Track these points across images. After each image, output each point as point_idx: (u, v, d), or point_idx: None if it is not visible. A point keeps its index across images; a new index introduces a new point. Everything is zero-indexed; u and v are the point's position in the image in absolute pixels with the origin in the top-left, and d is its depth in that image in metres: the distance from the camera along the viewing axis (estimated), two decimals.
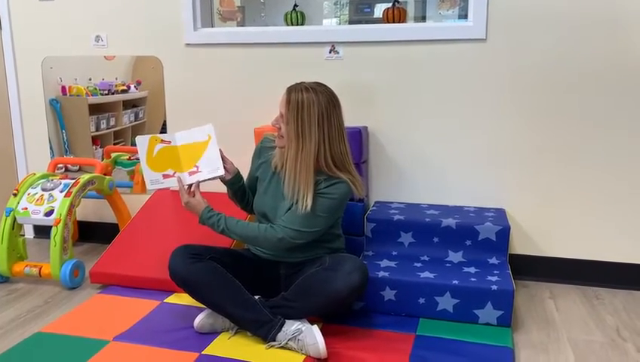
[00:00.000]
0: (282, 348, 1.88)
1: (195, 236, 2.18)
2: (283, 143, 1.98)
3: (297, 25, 3.33)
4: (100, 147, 3.08)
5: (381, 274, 2.17)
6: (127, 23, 2.89)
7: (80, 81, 3.03)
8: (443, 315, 2.11)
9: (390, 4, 2.91)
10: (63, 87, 3.05)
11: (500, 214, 2.48)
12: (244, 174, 2.21)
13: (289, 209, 1.98)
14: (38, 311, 2.28)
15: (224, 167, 2.08)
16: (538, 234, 2.57)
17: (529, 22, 2.42)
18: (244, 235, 2.00)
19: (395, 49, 2.59)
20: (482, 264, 2.29)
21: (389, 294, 2.15)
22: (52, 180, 2.61)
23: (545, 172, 2.52)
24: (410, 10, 4.21)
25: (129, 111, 3.03)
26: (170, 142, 2.10)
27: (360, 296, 2.07)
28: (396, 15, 2.81)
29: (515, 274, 2.30)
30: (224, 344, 1.94)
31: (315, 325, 1.89)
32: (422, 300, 2.12)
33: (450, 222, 2.36)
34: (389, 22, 2.82)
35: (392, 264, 2.29)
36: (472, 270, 2.23)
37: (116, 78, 2.98)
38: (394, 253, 2.40)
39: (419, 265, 2.29)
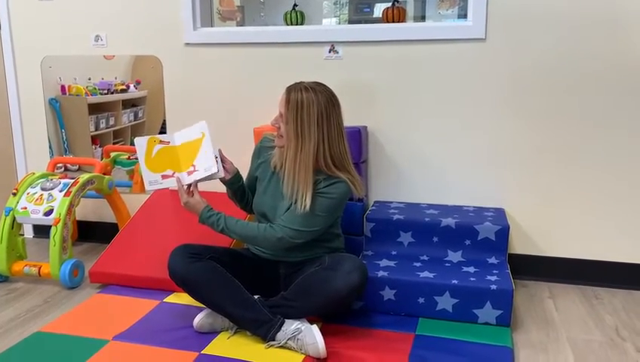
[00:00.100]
0: (282, 347, 1.88)
1: (194, 235, 2.18)
2: (282, 143, 1.98)
3: (297, 24, 3.32)
4: (100, 146, 3.08)
5: (380, 273, 2.17)
6: (126, 22, 2.89)
7: (79, 81, 3.03)
8: (442, 315, 2.11)
9: (390, 4, 2.91)
10: (63, 87, 3.05)
11: (500, 214, 2.49)
12: (244, 174, 2.21)
13: (288, 208, 1.98)
14: (38, 310, 2.28)
15: (224, 167, 2.08)
16: (537, 234, 2.57)
17: (528, 21, 2.42)
18: (244, 235, 2.00)
19: (394, 49, 2.59)
20: (481, 264, 2.29)
21: (388, 294, 2.15)
22: (51, 180, 2.61)
23: (544, 171, 2.52)
24: (410, 9, 4.21)
25: (128, 110, 3.03)
26: (168, 142, 2.10)
27: (359, 296, 2.07)
28: (396, 15, 2.81)
29: (514, 273, 2.30)
30: (223, 343, 1.94)
31: (315, 324, 1.89)
32: (421, 300, 2.12)
33: (449, 221, 2.36)
34: (388, 21, 2.82)
35: (392, 263, 2.29)
36: (472, 270, 2.23)
37: (116, 78, 2.98)
38: (393, 253, 2.40)
39: (418, 264, 2.29)
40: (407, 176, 2.68)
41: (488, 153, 2.57)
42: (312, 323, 1.90)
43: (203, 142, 2.03)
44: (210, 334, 1.99)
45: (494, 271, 2.20)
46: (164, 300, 2.29)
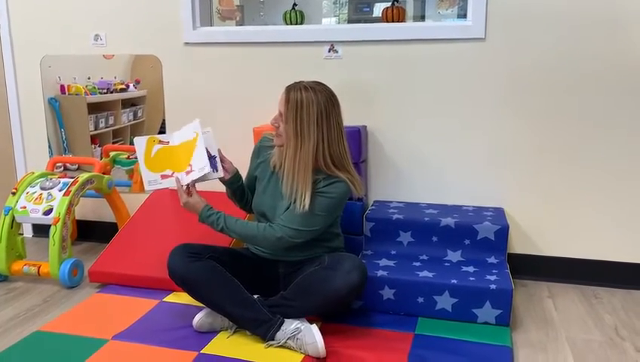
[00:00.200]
0: (281, 347, 1.88)
1: (194, 235, 2.18)
2: (281, 142, 1.98)
3: (296, 24, 3.32)
4: (99, 146, 3.08)
5: (380, 273, 2.17)
6: (126, 21, 2.88)
7: (79, 80, 3.03)
8: (442, 314, 2.11)
9: (389, 4, 2.90)
10: (62, 86, 3.05)
11: (499, 213, 2.49)
12: (243, 174, 2.21)
13: (288, 208, 1.98)
14: (37, 309, 2.28)
15: (223, 167, 2.08)
16: (537, 234, 2.57)
17: (528, 21, 2.42)
18: (243, 234, 2.00)
19: (394, 48, 2.59)
20: (481, 263, 2.29)
21: (387, 293, 2.15)
22: (51, 179, 2.61)
23: (544, 171, 2.52)
24: (410, 9, 4.22)
25: (128, 110, 3.03)
26: (168, 142, 2.10)
27: (359, 295, 2.08)
28: (395, 14, 2.81)
29: (513, 273, 2.30)
30: (223, 343, 1.94)
31: (314, 324, 1.89)
32: (421, 299, 2.12)
33: (449, 221, 2.36)
34: (388, 21, 2.82)
35: (391, 263, 2.29)
36: (471, 269, 2.23)
37: (115, 77, 2.98)
38: (393, 252, 2.40)
39: (418, 264, 2.29)
40: (407, 176, 2.68)
41: (488, 153, 2.57)
42: (311, 323, 1.90)
43: (197, 142, 2.03)
44: (209, 333, 1.99)
45: (494, 271, 2.20)
46: (164, 299, 2.28)
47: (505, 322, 2.06)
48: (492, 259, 2.32)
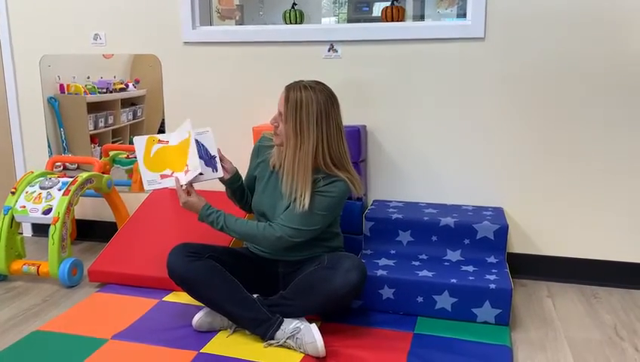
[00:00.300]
0: (281, 346, 1.88)
1: (193, 234, 2.18)
2: (281, 141, 1.98)
3: (296, 23, 3.32)
4: (98, 145, 3.08)
5: (379, 272, 2.17)
6: (125, 21, 2.88)
7: (78, 80, 3.02)
8: (441, 314, 2.11)
9: (389, 3, 2.91)
10: (61, 86, 3.05)
11: (498, 213, 2.49)
12: (243, 173, 2.21)
13: (287, 207, 1.98)
14: (36, 309, 2.28)
15: (223, 167, 2.08)
16: (536, 233, 2.57)
17: (528, 20, 2.42)
18: (243, 233, 2.00)
19: (393, 48, 2.59)
20: (480, 263, 2.29)
21: (387, 293, 2.15)
22: (50, 178, 2.61)
23: (543, 171, 2.52)
24: (409, 8, 4.21)
25: (127, 109, 3.02)
26: (167, 141, 2.09)
27: (358, 295, 2.08)
28: (395, 14, 2.81)
29: (513, 272, 2.30)
30: (222, 342, 1.94)
31: (314, 323, 1.89)
32: (420, 299, 2.12)
33: (448, 220, 2.37)
34: (387, 20, 2.82)
35: (391, 262, 2.29)
36: (470, 269, 2.23)
37: (114, 77, 2.98)
38: (392, 252, 2.40)
39: (417, 263, 2.29)
40: (406, 175, 2.68)
41: (487, 152, 2.57)
42: (311, 322, 1.90)
43: (190, 142, 2.02)
44: (209, 333, 1.99)
45: (493, 271, 2.20)
46: (163, 299, 2.28)
47: (504, 321, 2.06)
48: (491, 259, 2.32)
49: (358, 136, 2.49)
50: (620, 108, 2.39)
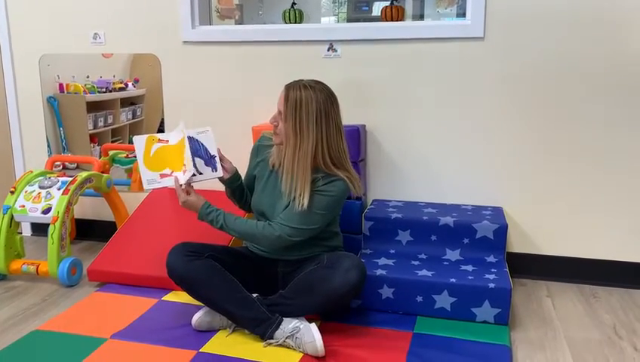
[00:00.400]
0: (280, 345, 1.88)
1: (193, 234, 2.18)
2: (280, 140, 1.98)
3: (295, 23, 3.32)
4: (98, 145, 3.08)
5: (379, 272, 2.17)
6: (125, 20, 2.88)
7: (77, 79, 3.02)
8: (440, 313, 2.11)
9: (388, 3, 2.90)
10: (61, 85, 3.05)
11: (498, 212, 2.49)
12: (243, 173, 2.21)
13: (287, 206, 1.98)
14: (36, 309, 2.28)
15: (222, 166, 2.08)
16: (535, 233, 2.57)
17: (527, 20, 2.42)
18: (243, 232, 2.00)
19: (393, 47, 2.59)
20: (480, 262, 2.29)
21: (386, 292, 2.15)
22: (50, 178, 2.61)
23: (543, 170, 2.52)
24: (409, 8, 4.21)
25: (127, 109, 3.02)
26: (167, 141, 2.09)
27: (358, 294, 2.08)
28: (394, 13, 2.81)
29: (512, 272, 2.30)
30: (222, 342, 1.94)
31: (313, 323, 1.90)
32: (419, 298, 2.12)
33: (447, 220, 2.37)
34: (387, 20, 2.82)
35: (390, 262, 2.29)
36: (470, 268, 2.23)
37: (114, 76, 2.98)
38: (392, 251, 2.41)
39: (416, 263, 2.29)
40: (406, 175, 2.68)
41: (487, 152, 2.57)
42: (310, 322, 1.90)
43: (185, 142, 2.03)
44: (208, 332, 1.99)
45: (492, 270, 2.20)
46: (163, 298, 2.28)
47: (504, 321, 2.06)
48: (491, 258, 2.32)
49: (357, 135, 2.49)
50: (619, 108, 2.39)
